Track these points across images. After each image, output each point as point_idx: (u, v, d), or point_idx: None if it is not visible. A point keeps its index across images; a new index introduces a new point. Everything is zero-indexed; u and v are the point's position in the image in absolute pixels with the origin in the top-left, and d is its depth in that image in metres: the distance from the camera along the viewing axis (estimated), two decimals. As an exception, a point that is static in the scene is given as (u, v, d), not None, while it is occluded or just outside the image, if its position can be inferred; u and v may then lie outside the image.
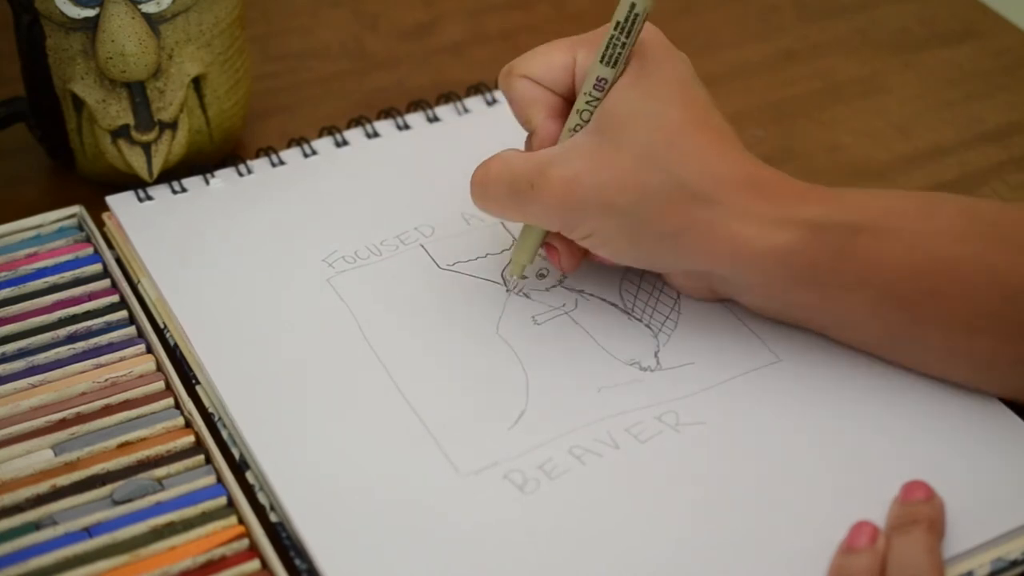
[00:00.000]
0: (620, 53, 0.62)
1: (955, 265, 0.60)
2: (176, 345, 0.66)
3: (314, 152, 0.76)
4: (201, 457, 0.61)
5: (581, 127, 0.63)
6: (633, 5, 0.61)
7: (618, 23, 0.61)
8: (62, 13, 0.69)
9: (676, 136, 0.61)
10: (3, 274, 0.69)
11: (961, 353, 0.61)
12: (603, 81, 0.62)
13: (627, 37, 0.62)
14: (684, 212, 0.61)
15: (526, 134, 0.66)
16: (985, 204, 0.63)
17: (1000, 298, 0.59)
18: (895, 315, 0.61)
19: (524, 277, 0.68)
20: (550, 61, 0.64)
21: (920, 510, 0.57)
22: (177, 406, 0.63)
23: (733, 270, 0.63)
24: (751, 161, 0.62)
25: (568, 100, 0.65)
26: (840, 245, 0.60)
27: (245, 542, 0.58)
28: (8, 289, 0.68)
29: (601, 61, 0.62)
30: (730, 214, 0.61)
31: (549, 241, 0.66)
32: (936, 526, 0.57)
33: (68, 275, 0.69)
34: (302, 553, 0.58)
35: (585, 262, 0.67)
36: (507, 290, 0.68)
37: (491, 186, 0.64)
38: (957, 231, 0.60)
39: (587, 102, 0.63)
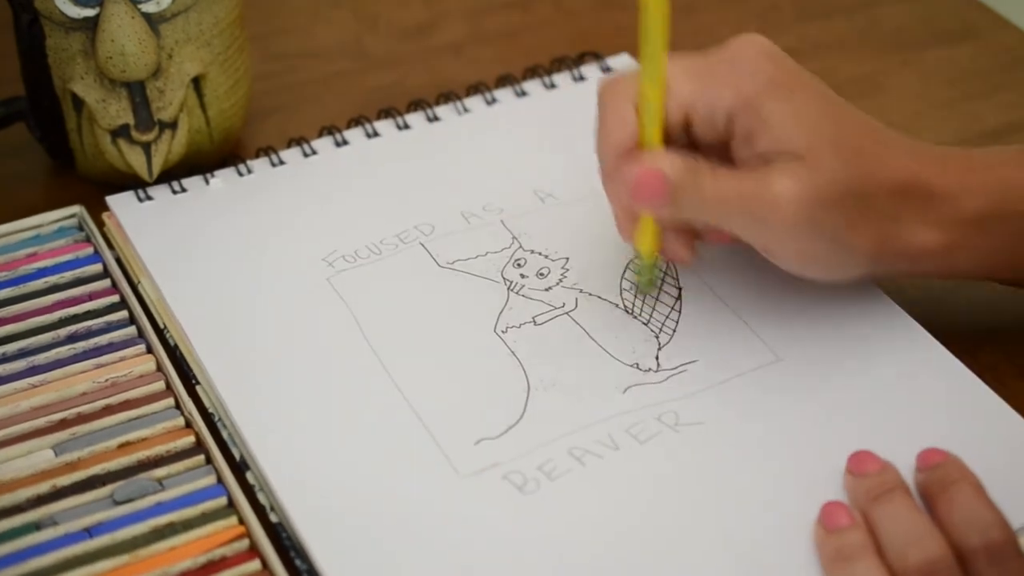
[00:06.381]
0: None
1: None
2: (176, 345, 0.66)
3: (314, 152, 0.76)
4: (201, 457, 0.61)
5: None
6: None
7: None
8: (62, 13, 0.69)
9: (835, 138, 0.61)
10: (3, 274, 0.69)
11: None
12: None
13: None
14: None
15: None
16: None
17: None
18: None
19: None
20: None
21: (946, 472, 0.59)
22: (177, 406, 0.63)
23: (886, 270, 0.63)
24: (907, 161, 0.62)
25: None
26: (1012, 232, 0.62)
27: (245, 542, 0.58)
28: (8, 289, 0.68)
29: None
30: (882, 217, 0.61)
31: None
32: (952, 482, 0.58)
33: (68, 275, 0.69)
34: (302, 553, 0.58)
35: (586, 262, 0.67)
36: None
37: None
38: None
39: None
